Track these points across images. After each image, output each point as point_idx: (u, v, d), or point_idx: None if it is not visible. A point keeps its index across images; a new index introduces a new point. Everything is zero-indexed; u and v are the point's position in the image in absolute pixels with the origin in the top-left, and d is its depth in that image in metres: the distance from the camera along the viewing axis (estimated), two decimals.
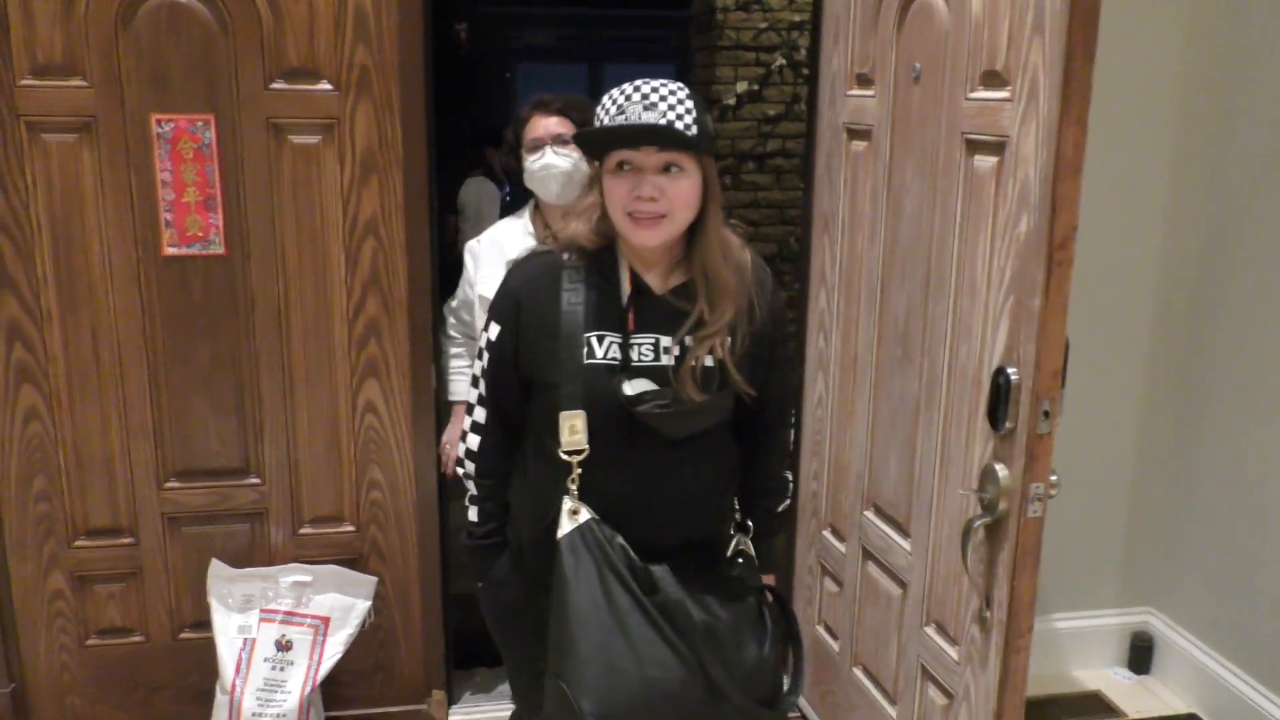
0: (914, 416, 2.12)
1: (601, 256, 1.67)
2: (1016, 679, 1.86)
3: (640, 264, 1.67)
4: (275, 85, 2.33)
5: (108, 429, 2.43)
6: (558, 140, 2.39)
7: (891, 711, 2.28)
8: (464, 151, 6.10)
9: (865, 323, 2.32)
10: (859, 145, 2.32)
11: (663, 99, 1.56)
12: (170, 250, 2.35)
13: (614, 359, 1.62)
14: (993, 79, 1.81)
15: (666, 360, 1.64)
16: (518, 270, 1.72)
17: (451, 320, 2.67)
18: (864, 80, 2.29)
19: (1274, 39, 2.57)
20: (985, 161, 1.85)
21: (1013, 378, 1.77)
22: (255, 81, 2.31)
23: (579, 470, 1.62)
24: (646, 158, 1.56)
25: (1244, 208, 2.67)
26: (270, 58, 2.31)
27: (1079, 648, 3.06)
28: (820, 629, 2.64)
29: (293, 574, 2.49)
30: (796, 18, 5.12)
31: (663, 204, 1.57)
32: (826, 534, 2.58)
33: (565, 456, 1.61)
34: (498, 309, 1.70)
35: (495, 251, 2.49)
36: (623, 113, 1.56)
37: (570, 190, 2.33)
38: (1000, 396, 1.78)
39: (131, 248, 2.34)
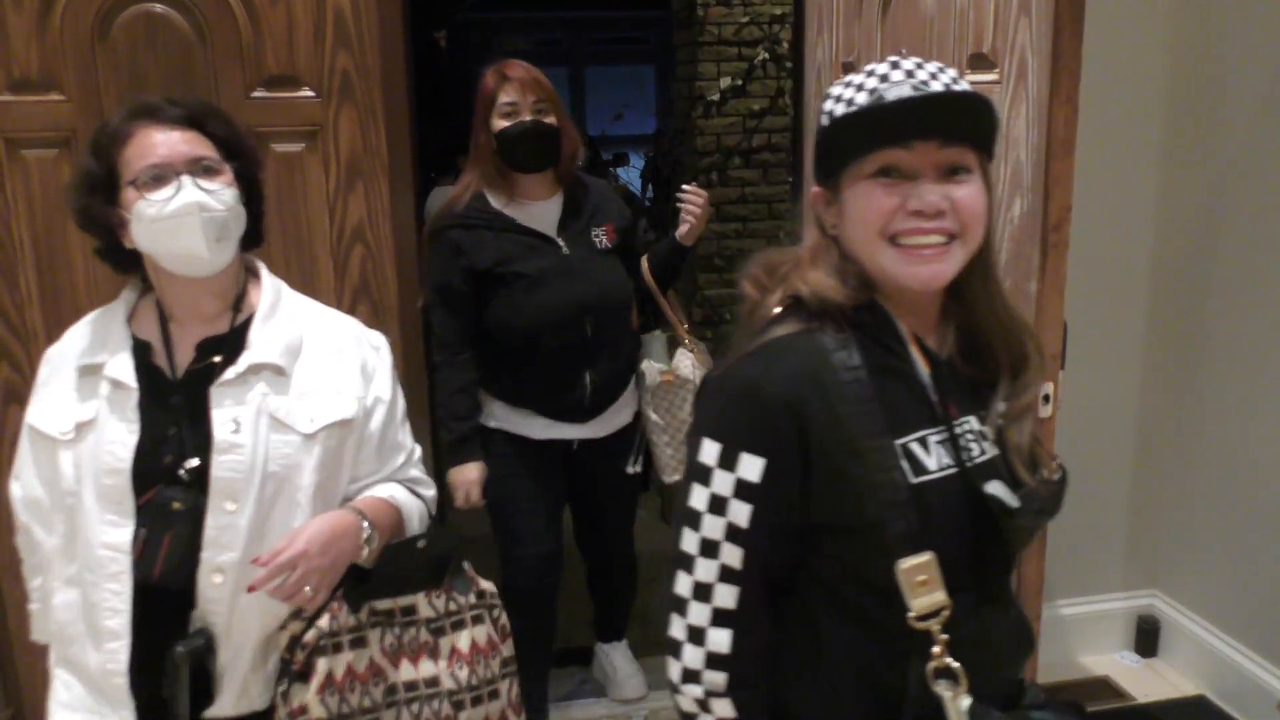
0: None
1: (864, 320, 1.15)
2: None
3: (914, 321, 1.18)
4: (256, 94, 2.30)
5: None
6: (198, 166, 1.45)
7: None
8: (433, 159, 5.95)
9: None
10: None
11: (933, 75, 1.11)
12: None
13: (948, 466, 1.14)
14: (980, 62, 1.80)
15: (991, 450, 1.18)
16: (774, 366, 1.12)
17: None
18: (849, 69, 2.27)
19: (1262, 12, 2.56)
20: None
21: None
22: (235, 91, 2.29)
23: (945, 636, 1.10)
24: (922, 158, 1.08)
25: (1236, 183, 2.66)
26: (250, 66, 2.28)
27: (1085, 633, 3.04)
28: None
29: None
30: (778, 10, 5.11)
31: (950, 221, 1.09)
32: None
33: (919, 623, 1.10)
34: (752, 435, 1.11)
35: (55, 370, 1.55)
36: (882, 99, 1.09)
37: (225, 252, 1.47)
38: None
39: None
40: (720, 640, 1.14)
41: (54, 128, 2.23)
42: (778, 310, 1.17)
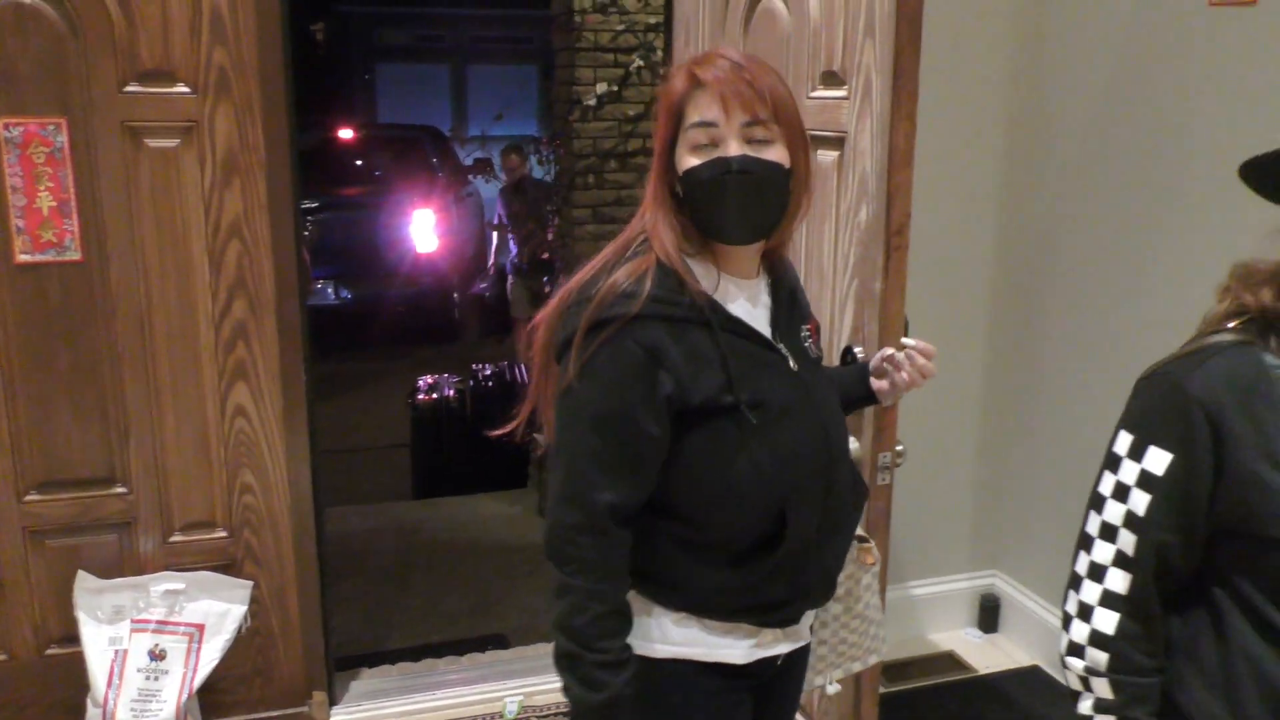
0: None
1: None
2: None
3: None
4: (130, 88, 2.30)
5: None
6: None
7: None
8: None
9: None
10: None
11: None
12: (23, 258, 2.30)
13: None
14: (831, 79, 1.95)
15: None
16: (1200, 369, 1.14)
17: None
18: None
19: (1090, 33, 2.80)
20: (828, 156, 1.98)
21: (859, 355, 1.90)
22: (108, 84, 2.28)
23: None
24: None
25: (1071, 190, 2.90)
26: (123, 60, 2.28)
27: (933, 612, 3.26)
28: None
29: (164, 582, 2.46)
30: (652, 20, 5.25)
31: None
32: None
33: None
34: (1164, 430, 1.16)
35: None
36: None
37: None
38: None
39: None
40: (1106, 621, 1.20)
41: None
42: (1232, 323, 1.17)
